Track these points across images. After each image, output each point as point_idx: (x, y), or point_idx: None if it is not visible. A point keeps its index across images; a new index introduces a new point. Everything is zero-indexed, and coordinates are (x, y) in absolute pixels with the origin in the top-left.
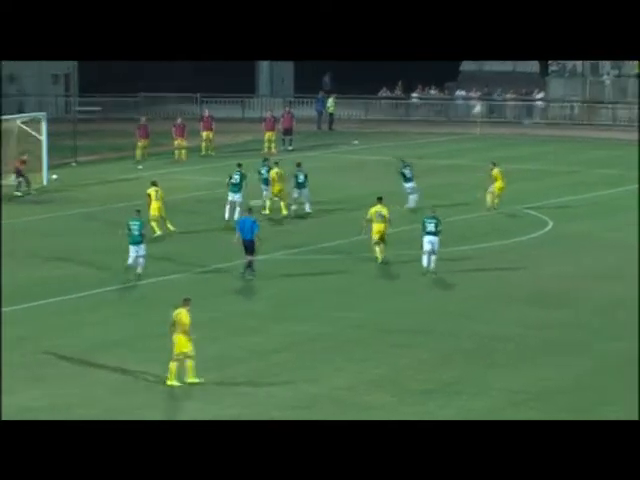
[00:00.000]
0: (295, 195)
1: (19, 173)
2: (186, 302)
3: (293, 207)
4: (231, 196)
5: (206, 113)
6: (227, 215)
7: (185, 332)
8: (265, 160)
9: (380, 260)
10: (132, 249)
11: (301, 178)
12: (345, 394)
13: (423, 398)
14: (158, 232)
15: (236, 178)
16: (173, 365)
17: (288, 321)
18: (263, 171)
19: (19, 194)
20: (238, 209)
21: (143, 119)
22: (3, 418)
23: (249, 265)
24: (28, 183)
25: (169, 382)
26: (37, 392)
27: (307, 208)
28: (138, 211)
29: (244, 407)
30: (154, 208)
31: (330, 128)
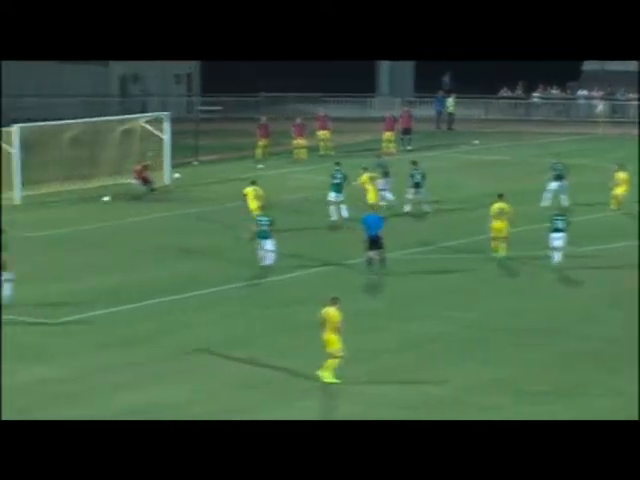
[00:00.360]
0: (410, 196)
1: (144, 180)
2: (334, 301)
3: (407, 208)
4: (333, 196)
5: (321, 113)
6: (334, 216)
7: (335, 330)
8: (378, 158)
9: (500, 256)
10: (261, 243)
11: (418, 178)
12: (464, 394)
13: (541, 399)
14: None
15: (339, 178)
16: (332, 362)
17: (408, 320)
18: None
19: (151, 189)
20: (343, 206)
21: (264, 119)
22: (130, 415)
23: (370, 262)
24: (152, 188)
25: (326, 379)
26: (162, 388)
27: (426, 208)
28: (262, 207)
29: (365, 406)
30: (255, 207)
31: (450, 128)
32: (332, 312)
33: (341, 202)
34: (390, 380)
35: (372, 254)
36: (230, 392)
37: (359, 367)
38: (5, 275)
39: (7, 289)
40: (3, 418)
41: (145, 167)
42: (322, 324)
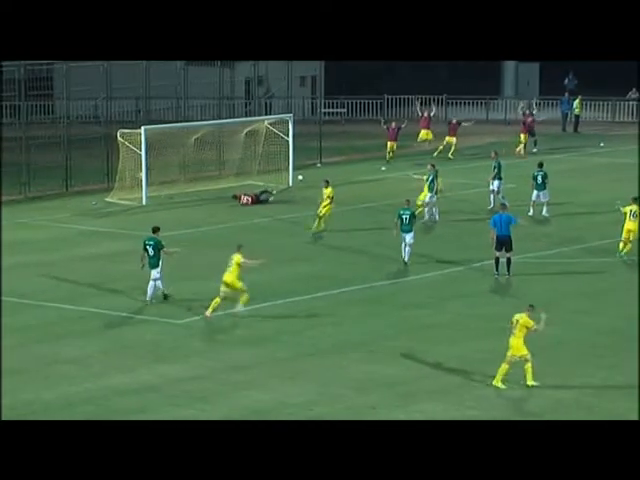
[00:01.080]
0: (534, 198)
1: (259, 200)
2: (530, 308)
3: (531, 211)
4: (428, 197)
5: (454, 121)
6: (427, 216)
7: (522, 336)
8: (494, 158)
9: (622, 255)
10: (402, 237)
11: (539, 179)
12: (590, 400)
13: None
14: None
15: (430, 178)
16: (504, 367)
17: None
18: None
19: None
20: (434, 209)
21: (398, 121)
22: (254, 414)
23: (497, 262)
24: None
25: (495, 383)
26: (286, 388)
27: (544, 211)
28: (407, 201)
29: (483, 410)
30: (327, 207)
31: (575, 130)
32: (524, 318)
33: (433, 204)
34: (510, 384)
35: (499, 255)
36: (353, 392)
37: (477, 370)
38: (155, 274)
39: (151, 287)
40: (115, 418)
41: (256, 196)
42: (513, 328)
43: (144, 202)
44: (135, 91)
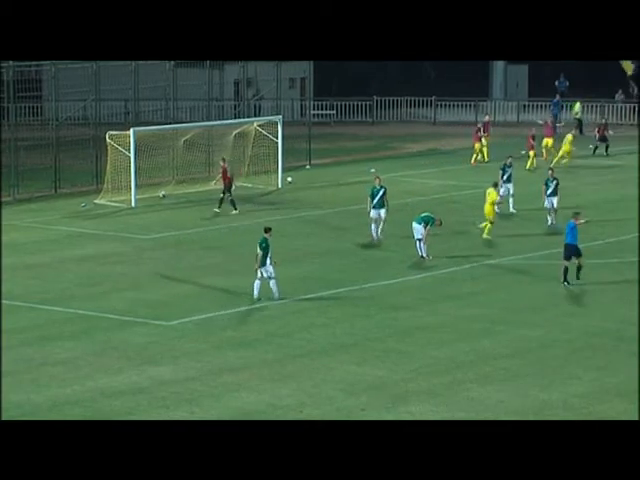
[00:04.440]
0: (547, 205)
1: (229, 182)
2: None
3: (549, 219)
4: (373, 213)
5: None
6: (374, 235)
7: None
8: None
9: None
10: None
11: (550, 185)
12: (578, 402)
13: None
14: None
15: (379, 194)
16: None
17: (521, 326)
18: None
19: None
20: (373, 226)
21: (485, 118)
22: (244, 416)
23: (565, 270)
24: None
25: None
26: (276, 390)
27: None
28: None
29: (472, 411)
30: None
31: (581, 132)
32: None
33: (384, 219)
34: (497, 386)
35: (568, 264)
36: (343, 394)
37: (466, 371)
38: (268, 271)
39: (273, 285)
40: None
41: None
42: None
43: (133, 204)
44: (124, 93)
